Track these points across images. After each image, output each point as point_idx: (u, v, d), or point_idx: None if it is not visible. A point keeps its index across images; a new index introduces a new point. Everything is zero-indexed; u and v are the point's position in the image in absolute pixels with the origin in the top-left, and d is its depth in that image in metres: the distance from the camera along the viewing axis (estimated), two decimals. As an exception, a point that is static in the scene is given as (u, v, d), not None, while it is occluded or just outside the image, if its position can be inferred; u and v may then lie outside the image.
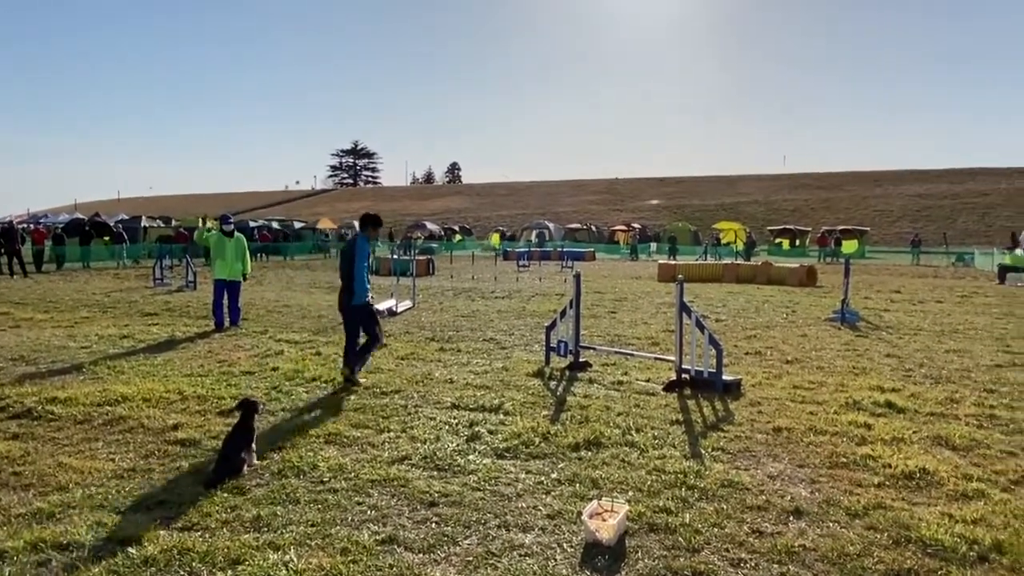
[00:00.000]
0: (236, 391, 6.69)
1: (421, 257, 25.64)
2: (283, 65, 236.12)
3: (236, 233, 11.32)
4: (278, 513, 4.08)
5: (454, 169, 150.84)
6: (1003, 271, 23.00)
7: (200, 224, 35.50)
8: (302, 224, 48.99)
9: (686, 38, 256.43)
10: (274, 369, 7.72)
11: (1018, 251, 27.33)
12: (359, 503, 4.21)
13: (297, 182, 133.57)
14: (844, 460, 4.95)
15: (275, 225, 45.71)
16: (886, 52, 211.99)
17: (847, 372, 7.91)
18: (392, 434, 5.46)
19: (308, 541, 3.74)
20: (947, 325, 11.84)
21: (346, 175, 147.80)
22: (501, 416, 5.95)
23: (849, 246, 41.45)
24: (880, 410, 6.24)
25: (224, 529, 3.88)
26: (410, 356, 8.59)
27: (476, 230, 63.74)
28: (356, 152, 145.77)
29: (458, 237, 55.33)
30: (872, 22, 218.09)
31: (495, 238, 51.14)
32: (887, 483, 4.54)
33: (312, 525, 3.93)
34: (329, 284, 19.59)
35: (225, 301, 11.01)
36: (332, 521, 3.97)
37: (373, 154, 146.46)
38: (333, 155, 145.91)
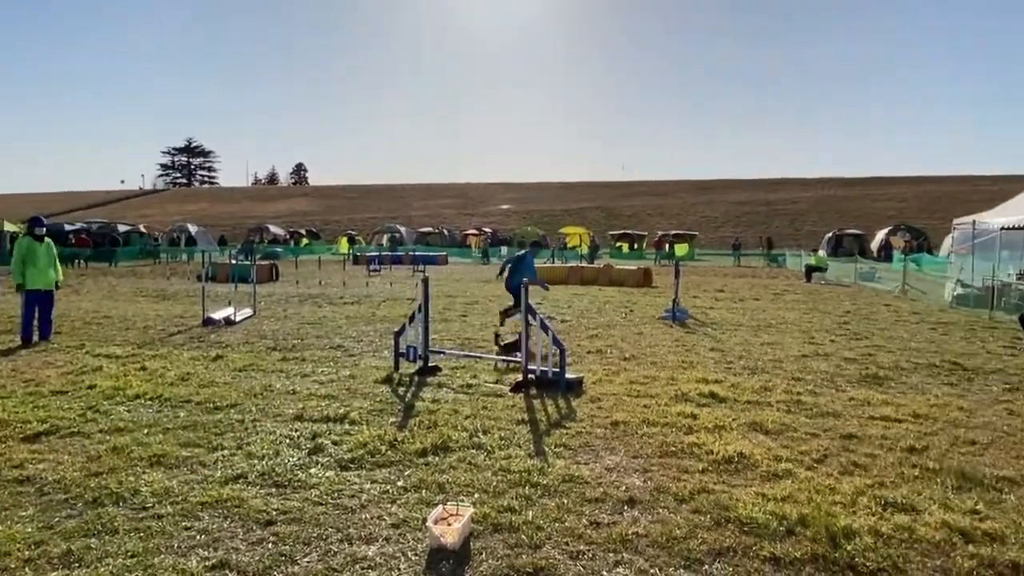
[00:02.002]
0: (45, 413, 5.99)
1: (263, 262, 24.41)
2: (106, 56, 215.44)
3: (46, 238, 10.18)
4: (92, 546, 3.68)
5: (300, 170, 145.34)
6: (809, 271, 25.75)
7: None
8: (128, 227, 44.84)
9: (534, 48, 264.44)
10: (91, 387, 7.00)
11: (820, 252, 30.66)
12: (187, 528, 3.90)
13: (122, 182, 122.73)
14: (673, 449, 5.28)
15: (94, 228, 41.54)
16: (711, 71, 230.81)
17: (677, 366, 8.45)
18: (226, 452, 5.12)
19: (127, 573, 3.40)
20: (763, 320, 13.03)
21: (179, 174, 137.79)
22: (346, 426, 5.77)
23: (680, 249, 44.59)
24: (705, 400, 6.71)
25: (27, 568, 3.44)
26: (249, 367, 8.14)
27: (324, 234, 61.67)
28: (190, 150, 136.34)
29: (304, 241, 53.30)
30: (700, 45, 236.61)
31: (344, 242, 49.77)
32: (710, 468, 4.89)
33: (132, 556, 3.58)
34: (158, 292, 18.11)
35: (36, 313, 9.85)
36: (155, 550, 3.65)
37: (209, 152, 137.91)
38: (164, 153, 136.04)
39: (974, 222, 16.53)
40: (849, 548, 3.71)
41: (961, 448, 5.40)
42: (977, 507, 4.24)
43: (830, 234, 46.29)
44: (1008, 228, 14.96)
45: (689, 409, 6.32)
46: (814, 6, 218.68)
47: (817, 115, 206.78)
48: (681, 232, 50.66)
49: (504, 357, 8.36)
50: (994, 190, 53.94)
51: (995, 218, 15.71)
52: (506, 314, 11.70)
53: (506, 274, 11.55)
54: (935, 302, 17.11)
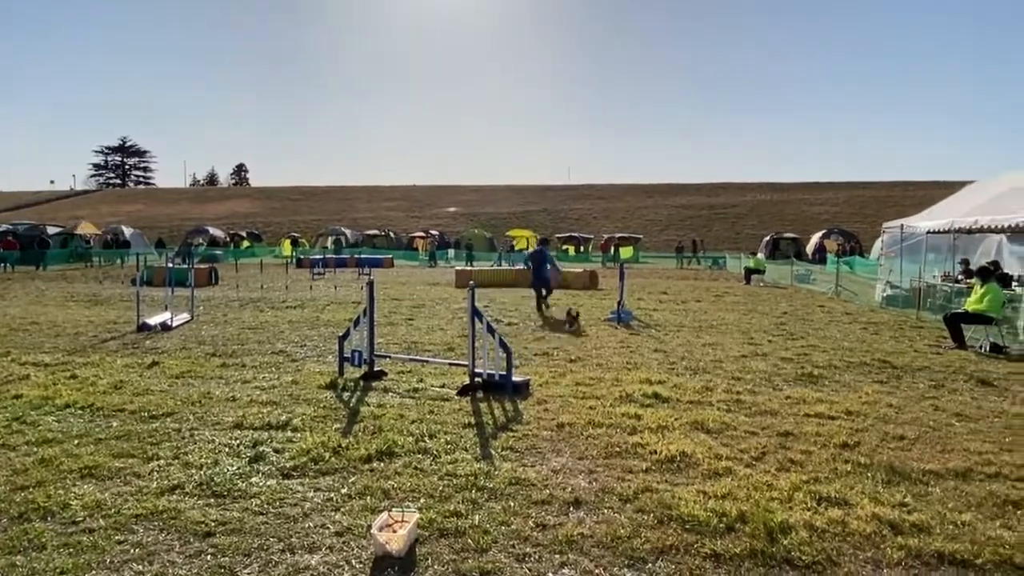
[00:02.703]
0: (-37, 426, 5.68)
1: (202, 265, 23.73)
2: (33, 50, 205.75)
3: None
4: (18, 563, 3.51)
5: (241, 171, 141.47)
6: (748, 273, 26.48)
7: None
8: (59, 229, 42.93)
9: (483, 51, 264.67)
10: (16, 397, 6.69)
11: (759, 255, 31.54)
12: (120, 542, 3.75)
13: (52, 182, 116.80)
14: (618, 449, 5.35)
15: (21, 229, 39.61)
16: (656, 77, 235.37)
17: (622, 367, 8.57)
18: (162, 462, 4.95)
19: (53, 593, 3.25)
20: (704, 322, 13.34)
21: (113, 175, 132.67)
22: (289, 433, 5.66)
23: (626, 252, 45.27)
24: (649, 401, 6.83)
25: (-59, 593, 3.26)
26: (186, 374, 7.92)
27: (266, 236, 60.29)
28: (124, 150, 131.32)
29: (246, 243, 52.03)
30: (646, 53, 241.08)
31: (287, 244, 48.78)
32: (653, 468, 4.98)
33: (62, 573, 3.43)
34: (90, 297, 17.40)
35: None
36: (86, 566, 3.50)
37: (145, 152, 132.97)
38: (96, 152, 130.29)
39: (902, 226, 17.29)
40: (786, 543, 3.83)
41: (890, 443, 5.63)
42: (905, 500, 4.43)
43: (768, 237, 47.85)
44: (933, 232, 15.70)
45: (633, 410, 6.42)
46: (754, 9, 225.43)
47: (754, 121, 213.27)
48: (626, 235, 51.42)
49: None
50: (922, 195, 56.58)
51: (922, 222, 16.46)
52: (543, 302, 14.84)
53: (530, 265, 14.99)
54: (866, 303, 17.83)
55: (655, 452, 5.26)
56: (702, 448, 5.36)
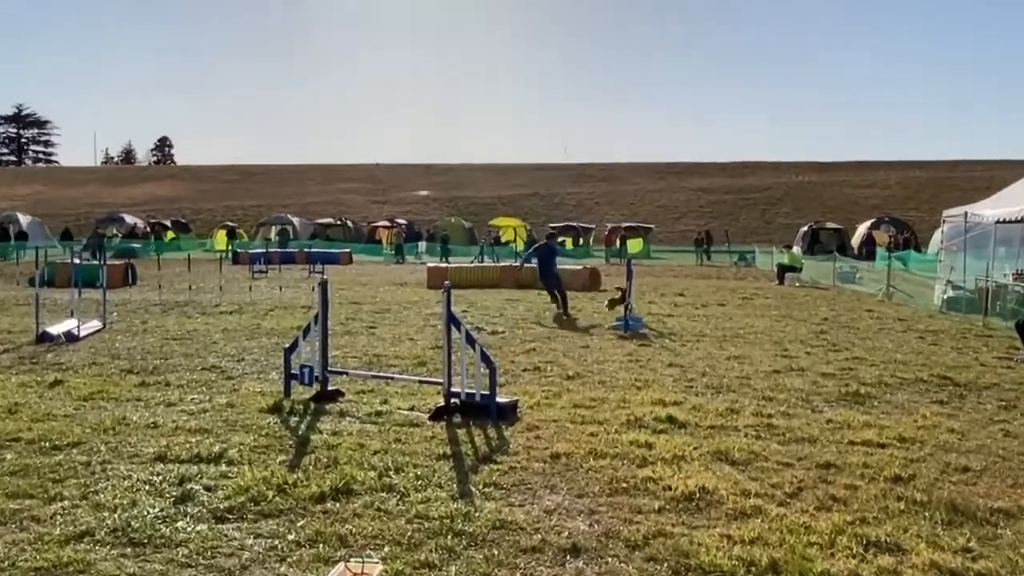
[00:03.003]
0: None
1: (116, 261, 23.58)
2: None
3: None
4: None
5: (164, 146, 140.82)
6: (781, 271, 26.68)
7: None
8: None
9: (455, 6, 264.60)
10: None
11: (795, 250, 31.83)
12: (15, 603, 3.72)
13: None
14: (625, 485, 5.37)
15: None
16: (669, 40, 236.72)
17: (629, 386, 8.62)
18: (68, 503, 4.91)
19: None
20: (729, 330, 13.43)
21: (6, 150, 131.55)
22: (223, 467, 5.64)
23: (634, 245, 45.47)
24: (662, 426, 6.87)
25: None
26: (97, 395, 7.87)
27: (196, 225, 60.02)
28: (20, 119, 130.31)
29: (170, 235, 51.78)
30: (658, 10, 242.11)
31: (221, 236, 48.54)
32: (667, 507, 5.00)
33: (-60, 642, 3.40)
34: (-20, 300, 17.21)
35: None
36: (-28, 633, 3.47)
37: (46, 123, 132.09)
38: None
39: (966, 214, 17.48)
40: (827, 597, 3.86)
41: (952, 476, 5.69)
42: (969, 544, 4.48)
43: (805, 227, 48.22)
44: (1004, 221, 15.85)
45: (643, 437, 6.45)
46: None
47: (788, 88, 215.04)
48: (634, 225, 51.64)
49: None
50: (990, 176, 57.20)
51: (989, 209, 16.63)
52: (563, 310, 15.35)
53: (532, 264, 15.52)
54: (923, 306, 18.01)
55: (669, 488, 5.28)
56: (726, 483, 5.39)
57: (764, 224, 62.30)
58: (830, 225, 49.05)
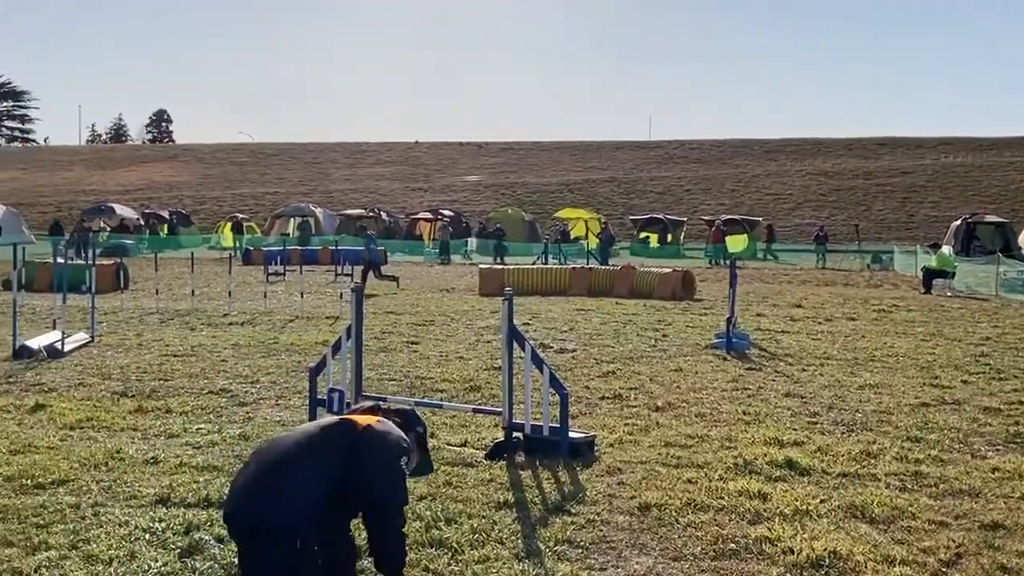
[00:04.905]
0: None
1: (105, 261, 24.20)
2: None
3: None
4: None
5: (162, 121, 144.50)
6: (928, 277, 26.08)
7: None
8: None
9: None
10: None
11: (945, 250, 31.15)
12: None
13: None
14: (733, 547, 5.31)
15: None
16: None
17: (736, 420, 8.52)
18: (55, 553, 5.05)
19: None
20: (862, 351, 13.18)
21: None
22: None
23: (737, 242, 44.95)
24: (779, 472, 6.76)
25: None
26: (86, 423, 8.08)
27: (199, 217, 61.35)
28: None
29: (167, 229, 52.98)
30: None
31: (227, 230, 49.53)
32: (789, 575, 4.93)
33: None
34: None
35: None
36: None
37: (22, 94, 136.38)
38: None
39: None
40: None
41: None
42: None
43: (959, 221, 46.95)
44: None
45: (756, 486, 6.37)
46: None
47: (933, 52, 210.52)
48: (737, 217, 51.09)
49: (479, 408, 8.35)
50: None
51: None
52: None
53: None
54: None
55: (791, 551, 5.21)
56: (863, 546, 5.30)
57: (904, 217, 60.97)
58: (990, 219, 47.67)
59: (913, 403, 9.47)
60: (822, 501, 6.10)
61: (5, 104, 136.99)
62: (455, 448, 7.37)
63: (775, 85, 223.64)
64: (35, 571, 4.82)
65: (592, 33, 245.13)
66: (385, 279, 25.10)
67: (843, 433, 8.12)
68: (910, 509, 6.01)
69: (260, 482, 4.02)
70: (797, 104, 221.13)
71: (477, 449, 7.32)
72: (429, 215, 52.77)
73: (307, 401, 8.39)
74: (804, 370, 11.50)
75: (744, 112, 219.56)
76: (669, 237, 49.99)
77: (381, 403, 4.99)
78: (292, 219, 52.57)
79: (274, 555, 3.88)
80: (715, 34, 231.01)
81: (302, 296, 19.13)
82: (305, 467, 4.06)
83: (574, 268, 25.81)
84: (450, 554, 5.13)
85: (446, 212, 54.09)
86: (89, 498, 6.00)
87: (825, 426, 8.38)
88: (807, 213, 62.98)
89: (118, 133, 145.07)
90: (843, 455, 7.29)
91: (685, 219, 54.00)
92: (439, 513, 5.76)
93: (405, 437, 4.44)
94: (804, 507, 5.96)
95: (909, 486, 6.53)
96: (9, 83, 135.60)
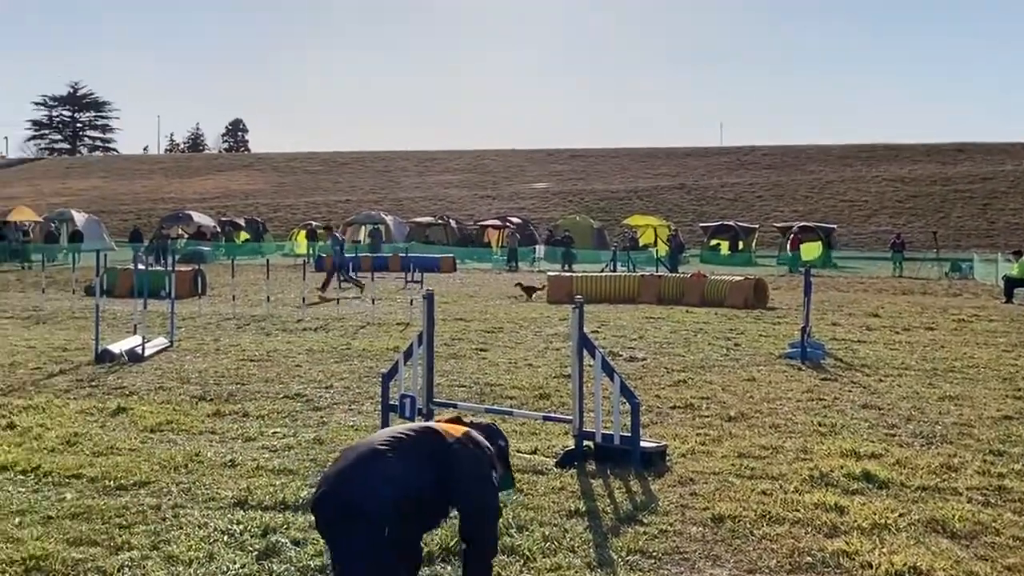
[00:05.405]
0: None
1: (184, 267, 24.72)
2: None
3: None
4: None
5: (238, 131, 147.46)
6: (1010, 285, 25.39)
7: None
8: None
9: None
10: (-65, 454, 7.16)
11: (1027, 257, 30.29)
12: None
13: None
14: (809, 560, 5.25)
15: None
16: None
17: (811, 431, 8.42)
18: (136, 553, 5.19)
19: None
20: (941, 361, 12.90)
21: (60, 137, 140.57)
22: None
23: (810, 250, 44.20)
24: (856, 485, 6.67)
25: None
26: (165, 426, 8.27)
27: (273, 225, 62.41)
28: (76, 100, 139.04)
29: (244, 235, 53.94)
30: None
31: (301, 238, 50.29)
32: (868, 590, 4.86)
33: None
34: (30, 312, 18.47)
35: None
36: None
37: (104, 104, 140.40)
38: (37, 105, 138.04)
39: None
40: None
41: None
42: None
43: (1042, 228, 45.69)
44: None
45: (832, 498, 6.29)
46: None
47: (1018, 56, 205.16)
48: (810, 224, 50.28)
49: (543, 414, 8.37)
50: None
51: None
52: None
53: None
54: None
55: (869, 566, 5.14)
56: (944, 562, 5.21)
57: (985, 224, 59.50)
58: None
59: (995, 415, 9.24)
60: (901, 515, 6.01)
61: (88, 115, 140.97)
62: (525, 455, 7.38)
63: (849, 90, 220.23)
64: (118, 570, 4.97)
65: (663, 39, 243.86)
66: (350, 283, 25.22)
67: (922, 445, 7.97)
68: (993, 525, 5.88)
69: (353, 470, 4.04)
70: (871, 109, 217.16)
71: (547, 457, 7.33)
72: (497, 222, 52.98)
73: (379, 407, 8.48)
74: (881, 381, 11.30)
75: (817, 117, 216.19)
76: (740, 244, 49.46)
77: (462, 416, 5.01)
78: (363, 226, 53.16)
79: (365, 540, 3.89)
80: (787, 39, 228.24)
81: (373, 302, 19.38)
82: (397, 464, 4.06)
83: (643, 276, 25.71)
84: (522, 561, 5.16)
85: (514, 219, 54.22)
86: (169, 500, 6.16)
87: (903, 438, 8.24)
88: (883, 220, 61.91)
89: (195, 142, 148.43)
90: (922, 468, 7.16)
91: (757, 226, 53.43)
92: (510, 519, 5.77)
93: (491, 449, 4.48)
94: (882, 521, 5.88)
95: (992, 501, 6.40)
96: (91, 94, 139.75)
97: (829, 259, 44.27)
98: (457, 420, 4.75)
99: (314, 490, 4.27)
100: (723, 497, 6.35)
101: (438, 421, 4.80)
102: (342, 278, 24.87)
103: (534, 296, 22.17)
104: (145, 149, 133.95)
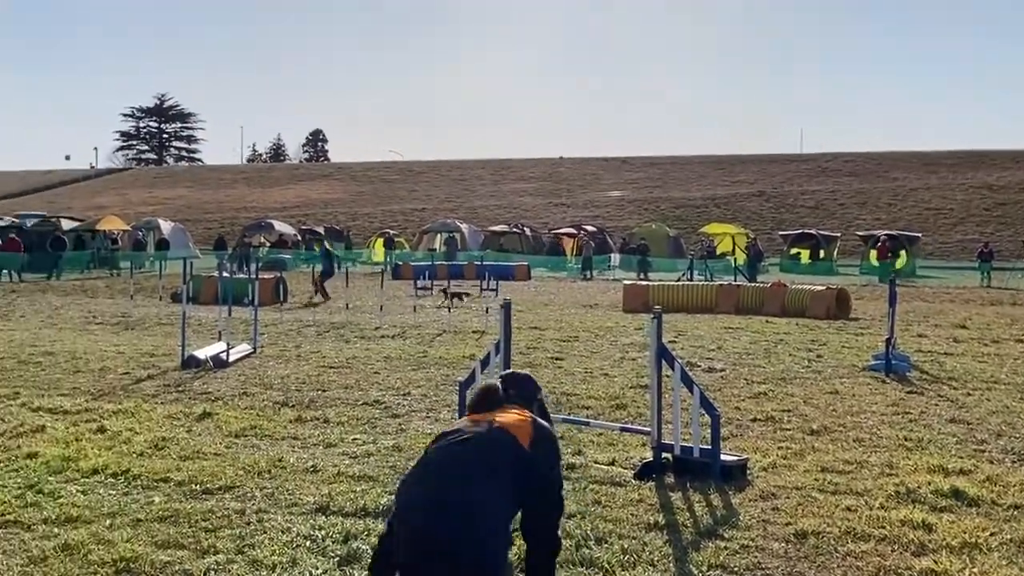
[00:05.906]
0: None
1: (266, 275, 25.21)
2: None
3: None
4: None
5: (318, 141, 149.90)
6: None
7: None
8: (75, 223, 47.40)
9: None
10: (30, 456, 7.42)
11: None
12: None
13: (67, 158, 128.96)
14: (897, 579, 5.13)
15: (29, 225, 44.03)
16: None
17: (897, 446, 8.25)
18: (222, 556, 5.31)
19: None
20: (1033, 375, 12.52)
21: (147, 147, 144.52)
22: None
23: (897, 260, 43.25)
24: (944, 502, 6.52)
25: None
26: (249, 431, 8.44)
27: (352, 233, 63.30)
28: (163, 112, 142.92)
29: (324, 244, 54.71)
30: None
31: (379, 245, 50.90)
32: (958, 611, 4.74)
33: None
34: (119, 319, 19.02)
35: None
36: None
37: (190, 116, 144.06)
38: (126, 117, 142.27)
39: None
40: None
41: None
42: None
43: None
44: None
45: (919, 515, 6.16)
46: None
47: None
48: (895, 233, 49.19)
49: (622, 426, 8.33)
50: None
51: None
52: None
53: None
54: None
55: (959, 586, 5.01)
56: (1039, 584, 5.03)
57: (1077, 232, 57.51)
58: None
59: (1092, 432, 8.95)
60: (992, 534, 5.85)
61: (174, 126, 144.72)
62: (603, 466, 7.37)
63: (933, 95, 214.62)
64: (204, 573, 5.09)
65: (741, 44, 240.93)
66: (320, 291, 25.37)
67: (1014, 462, 7.75)
68: (1091, 546, 5.68)
69: (452, 515, 3.71)
70: (957, 115, 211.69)
71: (625, 468, 7.30)
72: (572, 231, 52.95)
73: (456, 415, 8.53)
74: (970, 394, 11.00)
75: (901, 123, 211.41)
76: (822, 253, 48.60)
77: (498, 382, 4.60)
78: (439, 234, 53.62)
79: None
80: (869, 43, 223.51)
81: (449, 310, 19.54)
82: (491, 494, 3.83)
83: (721, 285, 25.44)
84: (601, 574, 5.14)
85: (589, 227, 54.16)
86: (253, 504, 6.29)
87: (993, 454, 8.02)
88: (970, 229, 60.36)
89: (277, 152, 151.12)
90: (1014, 486, 6.95)
91: (839, 234, 52.41)
92: (588, 531, 5.78)
93: (548, 424, 4.36)
94: (973, 539, 5.73)
95: (1090, 522, 6.19)
96: (177, 105, 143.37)
97: (914, 268, 43.32)
98: (502, 400, 4.37)
99: (398, 508, 3.95)
100: (806, 512, 6.25)
101: (488, 405, 4.33)
102: (316, 287, 25.52)
103: (454, 302, 21.11)
104: (250, 160, 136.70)
